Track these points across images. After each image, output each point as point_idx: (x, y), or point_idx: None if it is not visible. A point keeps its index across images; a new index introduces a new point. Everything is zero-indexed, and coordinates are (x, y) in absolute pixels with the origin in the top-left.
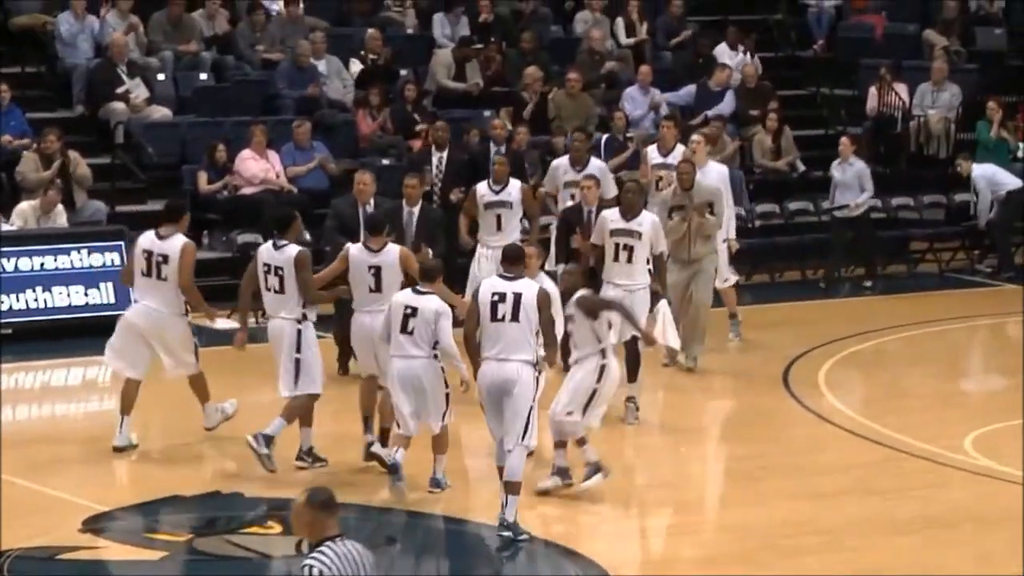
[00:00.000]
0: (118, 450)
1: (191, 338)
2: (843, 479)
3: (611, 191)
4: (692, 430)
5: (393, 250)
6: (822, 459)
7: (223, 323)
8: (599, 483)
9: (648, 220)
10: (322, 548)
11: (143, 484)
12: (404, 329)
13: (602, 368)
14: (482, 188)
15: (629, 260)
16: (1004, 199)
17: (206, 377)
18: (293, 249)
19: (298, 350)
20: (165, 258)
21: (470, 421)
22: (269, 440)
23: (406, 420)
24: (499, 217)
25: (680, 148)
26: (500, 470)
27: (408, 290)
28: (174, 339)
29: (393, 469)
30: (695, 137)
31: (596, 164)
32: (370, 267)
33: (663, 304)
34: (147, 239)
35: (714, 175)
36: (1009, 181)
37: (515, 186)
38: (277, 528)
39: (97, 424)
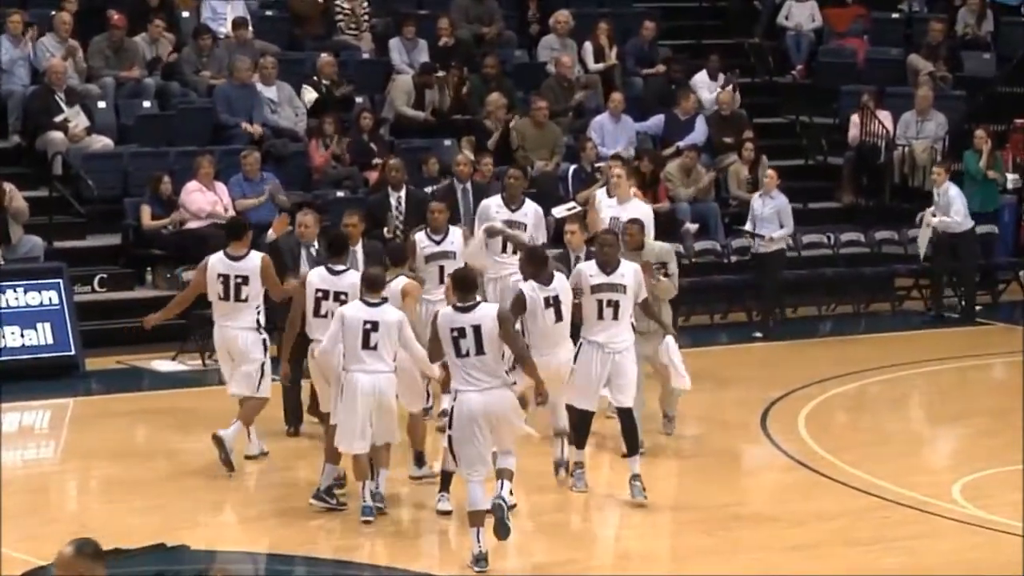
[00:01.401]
0: (249, 458)
1: (263, 361)
2: (824, 529)
3: (542, 235)
4: (664, 476)
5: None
6: (802, 507)
7: (168, 365)
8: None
9: (631, 270)
10: None
11: (84, 536)
12: (366, 345)
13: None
14: (421, 239)
15: (615, 316)
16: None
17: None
18: (355, 275)
19: None
20: (245, 279)
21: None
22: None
23: (354, 439)
24: (442, 269)
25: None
26: (471, 515)
27: (359, 303)
28: (251, 361)
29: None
30: (616, 171)
31: (531, 205)
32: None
33: (669, 340)
34: (220, 263)
35: (638, 211)
36: (966, 220)
37: (457, 233)
38: None
39: (36, 473)
